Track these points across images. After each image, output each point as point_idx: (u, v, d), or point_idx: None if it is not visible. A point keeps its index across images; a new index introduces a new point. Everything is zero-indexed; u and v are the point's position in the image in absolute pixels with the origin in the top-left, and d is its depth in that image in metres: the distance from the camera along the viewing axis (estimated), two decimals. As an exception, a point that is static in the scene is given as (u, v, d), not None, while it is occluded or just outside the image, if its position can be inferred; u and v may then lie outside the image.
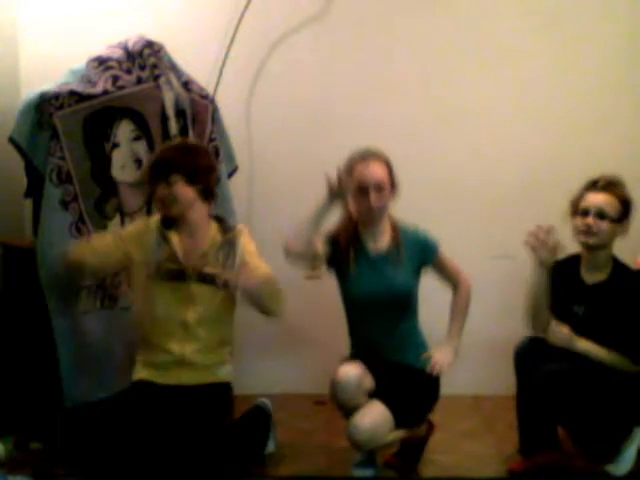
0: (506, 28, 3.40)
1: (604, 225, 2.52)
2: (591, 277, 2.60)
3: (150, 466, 2.36)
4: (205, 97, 3.16)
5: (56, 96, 2.68)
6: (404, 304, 2.59)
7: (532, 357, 2.61)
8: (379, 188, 2.52)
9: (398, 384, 2.51)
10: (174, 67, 3.06)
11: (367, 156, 2.56)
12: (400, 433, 2.50)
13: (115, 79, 2.85)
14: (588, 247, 2.57)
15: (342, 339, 2.69)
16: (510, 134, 3.43)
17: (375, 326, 2.57)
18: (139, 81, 2.92)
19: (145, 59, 2.95)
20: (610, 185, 2.56)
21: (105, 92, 2.80)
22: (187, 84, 3.09)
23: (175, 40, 3.09)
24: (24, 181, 2.75)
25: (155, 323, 2.52)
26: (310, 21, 3.40)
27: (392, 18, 3.40)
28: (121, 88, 2.85)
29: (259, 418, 2.71)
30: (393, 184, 2.59)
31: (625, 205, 2.56)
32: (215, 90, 3.29)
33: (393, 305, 2.56)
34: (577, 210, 2.58)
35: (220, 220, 2.66)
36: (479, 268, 3.35)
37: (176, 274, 2.51)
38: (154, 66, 2.96)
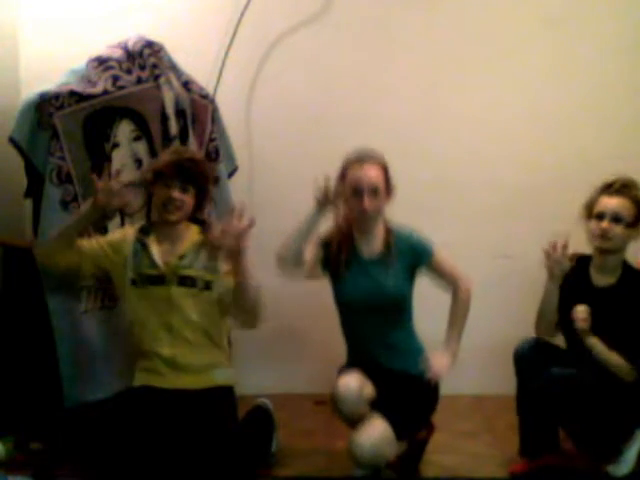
0: (506, 28, 3.40)
1: (619, 229, 2.51)
2: (601, 280, 2.59)
3: (150, 466, 2.35)
4: (205, 97, 3.16)
5: (56, 96, 2.68)
6: (397, 308, 2.58)
7: (532, 358, 2.61)
8: (374, 191, 2.50)
9: (397, 396, 2.49)
10: (174, 67, 3.06)
11: (363, 158, 2.53)
12: (402, 445, 2.51)
13: (115, 79, 2.85)
14: (602, 251, 2.56)
15: (342, 339, 2.69)
16: (510, 134, 3.43)
17: (369, 331, 2.56)
18: (139, 81, 2.91)
19: (145, 59, 2.94)
20: (625, 188, 2.54)
21: (105, 92, 2.80)
22: (187, 84, 3.08)
23: (175, 40, 3.09)
24: (24, 181, 2.76)
25: (142, 329, 2.54)
26: (310, 21, 3.41)
27: (392, 18, 3.40)
28: (121, 88, 2.85)
29: (262, 418, 2.71)
30: (388, 188, 2.57)
31: (638, 210, 2.54)
32: (215, 90, 3.29)
33: (385, 309, 2.55)
34: (591, 213, 2.57)
35: (201, 222, 2.68)
36: (479, 268, 3.35)
37: (156, 279, 2.52)
38: (154, 66, 2.96)
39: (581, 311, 2.48)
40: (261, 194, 3.47)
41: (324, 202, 2.45)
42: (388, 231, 2.60)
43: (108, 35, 3.03)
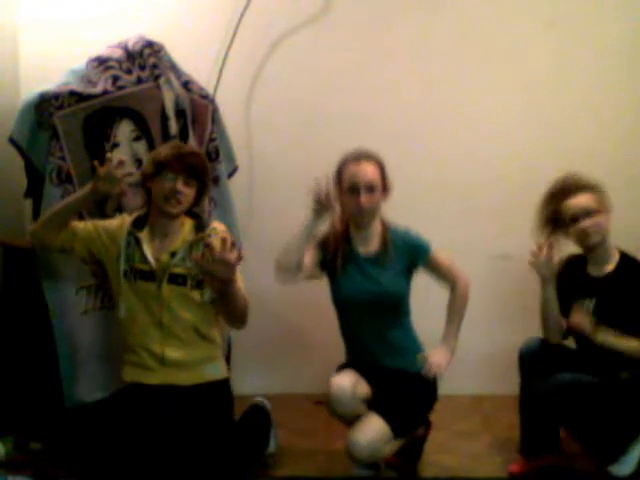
0: (506, 29, 3.40)
1: (597, 219, 2.53)
2: (599, 271, 2.60)
3: (150, 466, 2.36)
4: (205, 97, 3.16)
5: (56, 96, 2.68)
6: (394, 306, 2.58)
7: (537, 358, 2.61)
8: (370, 189, 2.50)
9: (394, 393, 2.49)
10: (174, 67, 3.06)
11: (359, 156, 2.54)
12: (399, 442, 2.51)
13: (115, 79, 2.85)
14: (590, 247, 2.57)
15: (342, 340, 2.69)
16: (510, 135, 3.42)
17: (366, 330, 2.56)
18: (139, 81, 2.91)
19: (145, 59, 2.94)
20: (576, 185, 2.57)
21: (105, 92, 2.80)
22: (187, 84, 3.08)
23: (175, 40, 3.09)
24: (24, 181, 2.76)
25: (132, 323, 2.52)
26: (310, 21, 3.40)
27: (392, 18, 3.40)
28: (121, 88, 2.85)
29: (258, 417, 2.71)
30: (385, 186, 2.57)
31: (600, 194, 2.57)
32: (215, 90, 3.29)
33: (382, 307, 2.55)
34: (564, 221, 2.58)
35: (196, 217, 2.64)
36: (479, 268, 3.36)
37: (147, 275, 2.51)
38: (154, 66, 2.95)
39: (577, 317, 2.48)
40: (261, 194, 3.48)
41: (321, 209, 2.44)
42: (385, 229, 2.61)
43: (108, 35, 3.03)
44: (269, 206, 3.44)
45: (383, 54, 3.42)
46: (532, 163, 3.40)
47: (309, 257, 2.54)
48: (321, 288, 2.67)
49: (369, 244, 2.59)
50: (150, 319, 2.50)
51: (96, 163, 2.49)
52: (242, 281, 2.47)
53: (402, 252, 2.58)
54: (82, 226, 2.55)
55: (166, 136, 2.95)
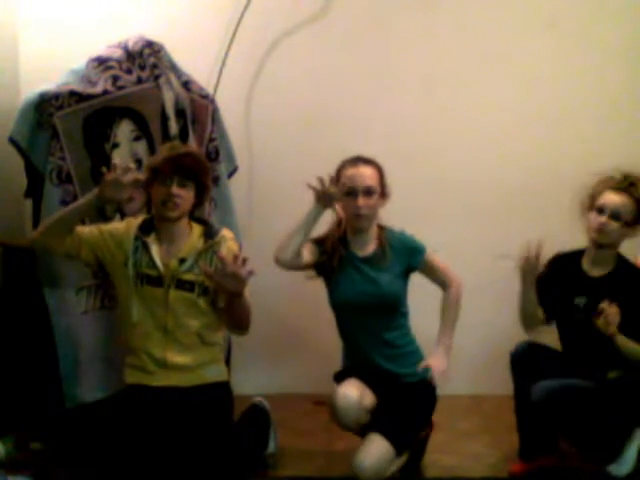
0: (505, 29, 3.40)
1: (616, 226, 2.52)
2: (594, 271, 2.60)
3: (150, 467, 2.36)
4: (205, 97, 3.16)
5: (56, 96, 2.68)
6: (391, 308, 2.58)
7: (528, 361, 2.62)
8: (368, 192, 2.51)
9: (394, 409, 2.49)
10: (174, 67, 3.06)
11: (358, 160, 2.56)
12: (403, 459, 2.50)
13: (115, 79, 2.85)
14: (597, 244, 2.57)
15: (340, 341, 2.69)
16: (510, 135, 3.43)
17: (364, 332, 2.56)
18: (139, 81, 2.91)
19: (145, 59, 2.94)
20: (631, 187, 2.54)
21: (105, 92, 2.80)
22: (187, 84, 3.08)
23: (175, 40, 3.09)
24: (24, 181, 2.76)
25: (135, 327, 2.51)
26: (310, 21, 3.40)
27: (392, 18, 3.40)
28: (121, 88, 2.85)
29: (258, 417, 2.71)
30: (383, 191, 2.58)
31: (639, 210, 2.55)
32: (215, 90, 3.29)
33: (380, 309, 2.55)
34: (593, 205, 2.57)
35: (204, 223, 2.64)
36: (479, 268, 3.36)
37: (154, 280, 2.50)
38: (154, 66, 2.95)
39: (613, 313, 2.41)
40: (261, 194, 3.48)
41: (324, 198, 2.44)
42: (381, 231, 2.61)
43: (108, 35, 3.03)
44: (269, 206, 3.44)
45: (383, 54, 3.42)
46: (532, 163, 3.40)
47: (307, 252, 2.54)
48: (321, 288, 2.67)
49: (366, 246, 2.60)
50: (154, 323, 2.50)
51: (104, 169, 2.47)
52: (248, 291, 2.47)
53: (399, 254, 2.58)
54: (87, 231, 2.53)
55: (166, 136, 2.95)
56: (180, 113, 3.02)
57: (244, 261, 2.33)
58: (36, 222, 2.70)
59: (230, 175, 3.28)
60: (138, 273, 2.50)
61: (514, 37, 3.40)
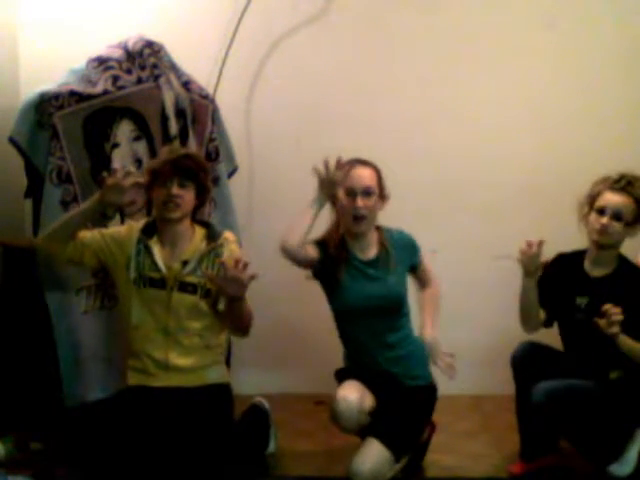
0: (506, 29, 3.40)
1: (618, 227, 2.52)
2: (596, 271, 2.60)
3: (150, 467, 2.36)
4: (205, 97, 3.16)
5: (56, 96, 2.68)
6: (396, 309, 2.57)
7: (529, 362, 2.62)
8: (367, 193, 2.50)
9: (393, 414, 2.48)
10: (174, 67, 3.06)
11: (356, 162, 2.55)
12: (401, 464, 2.50)
13: (115, 79, 2.85)
14: (598, 245, 2.56)
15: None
16: (510, 135, 3.42)
17: (368, 336, 2.55)
18: (139, 81, 2.91)
19: (145, 59, 2.95)
20: (631, 187, 2.54)
21: (105, 92, 2.80)
22: (187, 84, 3.09)
23: (175, 40, 3.09)
24: (24, 181, 2.76)
25: (137, 330, 2.52)
26: (310, 21, 3.40)
27: (392, 18, 3.40)
28: (121, 88, 2.85)
29: (258, 418, 2.71)
30: (382, 193, 2.56)
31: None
32: (215, 90, 3.29)
33: (385, 311, 2.54)
34: (593, 206, 2.57)
35: (207, 225, 2.64)
36: (479, 268, 3.36)
37: (157, 283, 2.50)
38: (154, 66, 2.96)
39: (616, 314, 2.38)
40: (261, 194, 3.48)
41: (327, 183, 2.41)
42: (380, 232, 2.61)
43: (108, 35, 3.03)
44: (269, 206, 3.44)
45: (383, 54, 3.42)
46: (532, 163, 3.40)
47: (310, 249, 2.52)
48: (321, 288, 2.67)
49: (367, 248, 2.59)
50: (156, 326, 2.51)
51: (104, 174, 2.47)
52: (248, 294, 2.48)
53: (402, 250, 2.59)
54: (90, 236, 2.53)
55: (166, 136, 2.96)
56: (180, 113, 3.02)
57: (245, 266, 2.34)
58: (36, 222, 2.70)
59: (230, 175, 3.28)
60: (140, 275, 2.50)
61: (514, 38, 3.39)
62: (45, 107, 2.65)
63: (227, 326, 2.58)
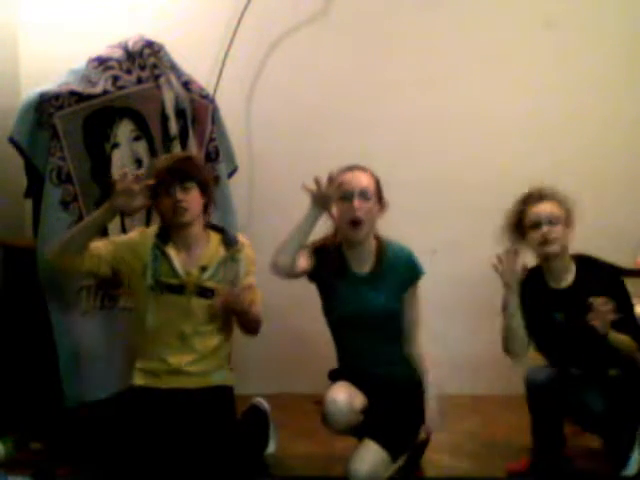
0: (506, 29, 3.41)
1: (559, 229, 2.50)
2: (558, 283, 2.56)
3: (150, 467, 2.36)
4: (205, 97, 3.16)
5: (56, 96, 2.68)
6: (389, 324, 2.52)
7: (547, 391, 2.55)
8: (364, 195, 2.43)
9: (388, 414, 2.46)
10: (174, 67, 3.06)
11: (353, 166, 2.49)
12: (399, 463, 2.48)
13: (115, 79, 2.85)
14: (548, 257, 2.53)
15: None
16: (510, 133, 3.43)
17: (360, 346, 2.53)
18: (139, 81, 2.91)
19: (145, 59, 2.95)
20: (546, 192, 2.56)
21: (105, 92, 2.80)
22: (187, 84, 3.09)
23: (175, 40, 3.09)
24: (24, 181, 2.76)
25: (153, 333, 2.51)
26: (310, 21, 3.41)
27: (392, 18, 3.41)
28: (121, 88, 2.85)
29: (257, 418, 2.71)
30: (381, 201, 2.50)
31: (567, 207, 2.55)
32: (215, 90, 3.29)
33: (377, 325, 2.51)
34: (524, 227, 2.55)
35: (221, 230, 2.63)
36: (480, 268, 3.36)
37: (175, 289, 2.50)
38: (154, 66, 2.96)
39: (603, 303, 2.35)
40: (261, 194, 3.48)
41: (321, 200, 2.37)
42: (380, 245, 2.53)
43: (108, 35, 3.03)
44: (269, 206, 3.44)
45: (383, 54, 3.42)
46: (532, 163, 3.40)
47: (303, 259, 2.49)
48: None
49: (363, 261, 2.52)
50: (172, 331, 2.50)
51: (114, 180, 2.45)
52: (260, 296, 2.54)
53: (399, 269, 2.51)
54: (103, 247, 2.49)
55: (166, 136, 2.96)
56: (180, 113, 3.02)
57: (238, 295, 2.41)
58: (36, 222, 2.71)
59: (230, 175, 3.28)
60: (157, 282, 2.49)
61: (514, 37, 3.40)
62: (45, 107, 2.65)
63: (238, 326, 2.59)
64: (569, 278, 2.56)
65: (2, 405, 2.77)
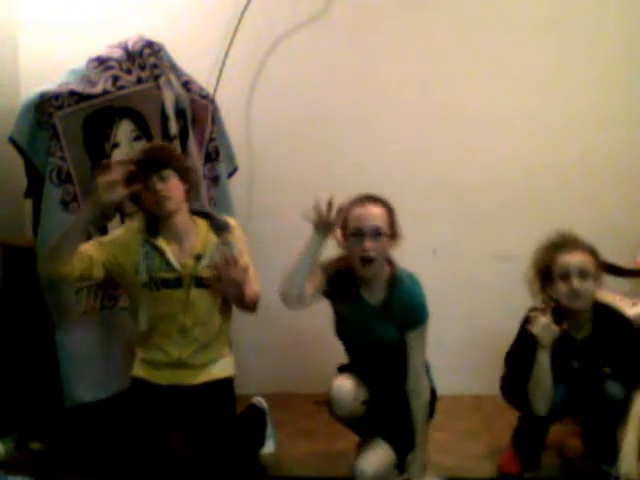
0: (506, 29, 3.40)
1: (589, 285, 2.43)
2: (578, 333, 2.52)
3: (150, 467, 2.36)
4: (205, 97, 3.16)
5: (56, 96, 2.68)
6: (394, 355, 2.47)
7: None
8: (376, 234, 2.33)
9: (395, 414, 2.47)
10: (174, 67, 3.06)
11: (365, 199, 2.39)
12: (404, 476, 2.49)
13: (115, 79, 2.85)
14: (574, 310, 2.48)
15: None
16: (511, 135, 3.42)
17: (369, 361, 2.53)
18: (139, 81, 2.91)
19: (145, 59, 2.95)
20: (577, 242, 2.49)
21: (105, 92, 2.80)
22: (187, 84, 3.09)
23: (175, 40, 3.09)
24: (24, 181, 2.76)
25: (153, 329, 2.50)
26: (310, 21, 3.41)
27: (392, 19, 3.40)
28: (121, 88, 2.85)
29: (254, 417, 2.71)
30: (393, 232, 2.40)
31: (596, 258, 2.47)
32: (215, 90, 3.29)
33: (385, 351, 2.48)
34: (553, 275, 2.48)
35: (207, 215, 2.59)
36: (480, 269, 3.36)
37: (172, 282, 2.47)
38: (154, 66, 2.96)
39: (537, 314, 2.39)
40: (261, 194, 3.48)
41: (324, 225, 2.27)
42: (392, 278, 2.42)
43: (108, 35, 3.03)
44: (269, 206, 3.44)
45: (383, 54, 3.42)
46: (532, 163, 3.40)
47: (313, 284, 2.41)
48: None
49: (375, 291, 2.44)
50: (174, 324, 2.48)
51: (97, 172, 2.39)
52: (253, 273, 2.52)
53: (403, 307, 2.42)
54: (92, 249, 2.44)
55: (166, 136, 2.96)
56: (180, 113, 3.02)
57: (235, 262, 2.38)
58: (36, 222, 2.71)
59: (230, 175, 3.28)
60: (152, 278, 2.46)
61: (514, 36, 3.39)
62: (45, 107, 2.65)
63: (235, 305, 2.57)
64: (587, 328, 2.51)
65: (2, 405, 2.77)
